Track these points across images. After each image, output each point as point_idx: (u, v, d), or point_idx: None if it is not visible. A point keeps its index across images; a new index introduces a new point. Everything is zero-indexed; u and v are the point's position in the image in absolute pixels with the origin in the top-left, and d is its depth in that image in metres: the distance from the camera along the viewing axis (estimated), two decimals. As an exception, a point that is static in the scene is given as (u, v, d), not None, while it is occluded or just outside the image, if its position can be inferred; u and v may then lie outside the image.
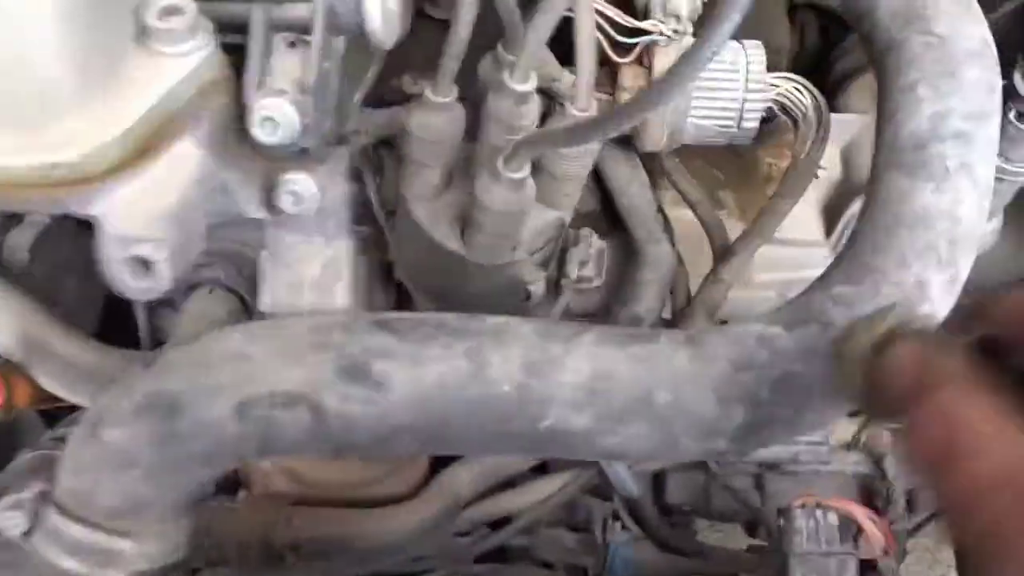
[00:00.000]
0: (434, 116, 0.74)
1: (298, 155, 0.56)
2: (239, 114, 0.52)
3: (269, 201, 0.58)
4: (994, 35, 0.91)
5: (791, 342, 0.65)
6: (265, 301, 0.61)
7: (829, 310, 0.67)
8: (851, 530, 0.95)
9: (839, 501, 0.92)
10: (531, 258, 0.90)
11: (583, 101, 0.73)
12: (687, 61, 0.49)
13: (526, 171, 0.70)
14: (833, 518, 0.91)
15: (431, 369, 0.58)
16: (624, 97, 0.89)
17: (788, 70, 1.38)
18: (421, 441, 0.60)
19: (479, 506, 1.07)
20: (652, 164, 1.03)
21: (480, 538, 1.10)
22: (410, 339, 0.58)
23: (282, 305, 0.61)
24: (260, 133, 0.50)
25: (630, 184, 1.00)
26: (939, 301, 0.69)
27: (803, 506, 0.91)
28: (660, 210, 1.02)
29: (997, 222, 1.07)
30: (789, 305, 0.69)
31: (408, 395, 0.57)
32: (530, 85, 0.69)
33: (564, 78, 0.90)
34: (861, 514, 0.91)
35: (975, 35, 0.74)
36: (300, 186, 0.57)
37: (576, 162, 0.79)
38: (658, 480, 1.15)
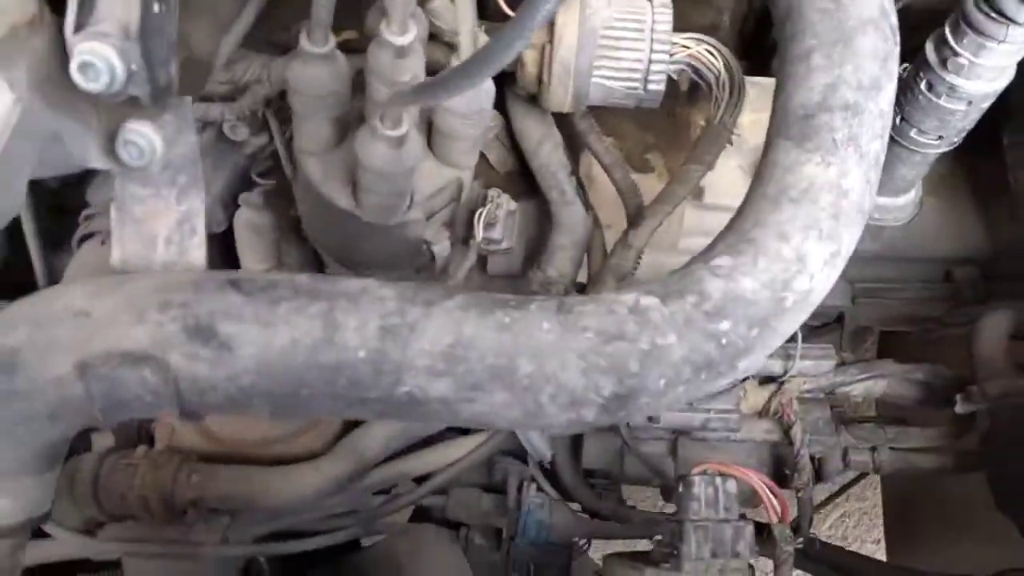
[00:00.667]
0: (311, 68, 0.71)
1: (138, 105, 0.53)
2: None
3: (113, 152, 0.55)
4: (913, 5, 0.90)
5: (664, 313, 0.64)
6: (115, 256, 0.59)
7: (707, 281, 0.66)
8: (750, 497, 0.96)
9: (738, 469, 0.92)
10: (432, 218, 0.88)
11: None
12: (523, 12, 0.47)
13: (404, 127, 0.68)
14: (732, 485, 0.91)
15: (281, 332, 0.56)
16: (528, 54, 0.86)
17: (735, 32, 1.36)
18: (275, 405, 0.59)
19: (391, 465, 1.07)
20: (575, 127, 1.01)
21: (394, 497, 1.10)
22: (260, 300, 0.57)
23: (133, 261, 0.59)
24: (80, 79, 0.47)
25: (541, 145, 0.98)
26: (819, 275, 0.68)
27: (704, 473, 0.91)
28: (574, 172, 1.00)
29: (915, 194, 1.06)
30: (671, 275, 0.68)
31: (257, 358, 0.56)
32: (408, 38, 0.66)
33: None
34: (758, 482, 0.92)
35: (873, 1, 0.72)
36: (141, 137, 0.54)
37: (465, 121, 0.77)
38: (576, 445, 1.15)
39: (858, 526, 2.39)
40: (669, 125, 1.26)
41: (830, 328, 1.40)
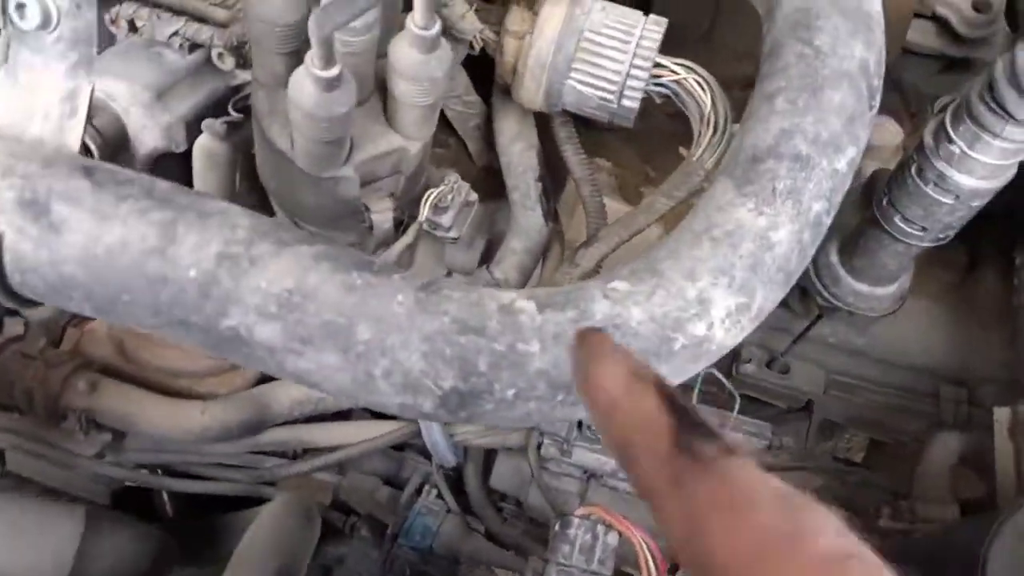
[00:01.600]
0: (268, -6, 0.69)
1: (34, -34, 0.52)
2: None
3: (6, 10, 0.54)
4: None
5: (536, 320, 0.59)
6: (-9, 118, 0.57)
7: (595, 300, 0.61)
8: (636, 561, 0.90)
9: (623, 522, 0.86)
10: (374, 184, 0.85)
11: (421, 17, 0.67)
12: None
13: (335, 70, 0.66)
14: (613, 538, 0.85)
15: (114, 229, 0.54)
16: (508, 41, 0.83)
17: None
18: (95, 305, 0.56)
19: (291, 429, 1.04)
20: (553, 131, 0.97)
21: (286, 463, 1.06)
22: (106, 192, 0.55)
23: (7, 129, 0.57)
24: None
25: (513, 143, 0.94)
26: (719, 325, 0.62)
27: (586, 517, 0.85)
28: (542, 179, 0.96)
29: (899, 288, 0.98)
30: (561, 287, 0.64)
31: (82, 248, 0.54)
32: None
33: (456, 4, 0.85)
34: (639, 539, 0.85)
35: (855, 56, 0.67)
36: (35, 1, 0.53)
37: (414, 86, 0.74)
38: (489, 460, 1.11)
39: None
40: (673, 162, 1.22)
41: (797, 416, 1.32)
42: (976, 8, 1.42)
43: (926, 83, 1.51)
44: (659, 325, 0.61)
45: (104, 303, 0.55)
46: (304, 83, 0.68)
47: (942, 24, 1.46)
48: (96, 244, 0.54)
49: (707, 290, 0.62)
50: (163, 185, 0.57)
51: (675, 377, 0.64)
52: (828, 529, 0.30)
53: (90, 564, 0.85)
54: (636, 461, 0.33)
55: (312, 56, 0.65)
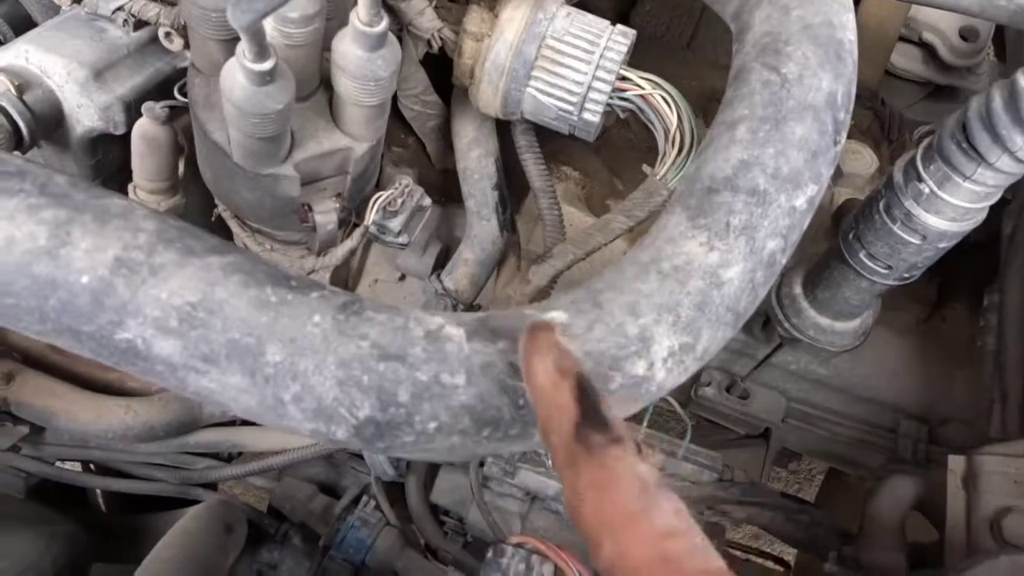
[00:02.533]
0: (201, -25, 0.64)
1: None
2: None
3: None
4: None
5: (464, 349, 0.55)
6: None
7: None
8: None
9: (558, 552, 0.82)
10: (317, 184, 0.81)
11: (365, 13, 0.63)
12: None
13: (268, 64, 0.61)
14: (548, 570, 0.81)
15: (1, 226, 0.49)
16: (466, 42, 0.79)
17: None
18: (-22, 306, 0.51)
19: (224, 431, 0.99)
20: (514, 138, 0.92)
21: (216, 466, 1.02)
22: (-3, 187, 0.50)
23: None
24: None
25: (471, 148, 0.90)
26: (660, 366, 0.58)
27: (519, 546, 0.82)
28: (499, 187, 0.92)
29: (861, 324, 0.95)
30: (496, 313, 0.60)
31: (-36, 246, 0.49)
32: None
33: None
34: (574, 572, 0.82)
35: (823, 88, 0.63)
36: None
37: (357, 85, 0.69)
38: (433, 473, 1.07)
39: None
40: (643, 176, 1.18)
41: (756, 442, 1.29)
42: (963, 36, 1.40)
43: (910, 108, 1.49)
44: (596, 362, 0.57)
45: (-12, 306, 0.51)
46: (236, 75, 0.63)
47: (928, 50, 1.43)
48: (-21, 242, 0.49)
49: (650, 327, 0.58)
50: (60, 180, 0.52)
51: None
52: (667, 510, 0.38)
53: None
54: (550, 441, 0.42)
55: (243, 48, 0.61)
